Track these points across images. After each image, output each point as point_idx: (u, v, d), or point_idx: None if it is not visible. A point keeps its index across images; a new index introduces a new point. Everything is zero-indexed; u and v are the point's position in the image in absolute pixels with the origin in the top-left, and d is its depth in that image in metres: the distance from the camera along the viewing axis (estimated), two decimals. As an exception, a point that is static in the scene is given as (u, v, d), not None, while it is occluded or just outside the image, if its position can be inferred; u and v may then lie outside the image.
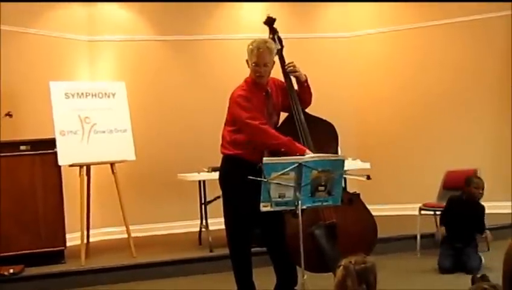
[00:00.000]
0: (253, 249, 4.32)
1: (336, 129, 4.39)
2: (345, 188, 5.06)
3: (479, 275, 3.48)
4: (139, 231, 6.78)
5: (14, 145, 5.58)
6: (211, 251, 5.75)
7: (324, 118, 4.38)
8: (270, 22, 4.46)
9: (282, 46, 4.40)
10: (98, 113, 5.92)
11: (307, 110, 4.35)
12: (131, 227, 5.93)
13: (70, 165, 5.72)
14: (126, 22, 7.34)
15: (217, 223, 5.45)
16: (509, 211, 6.53)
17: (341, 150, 4.74)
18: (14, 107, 5.86)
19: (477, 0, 7.06)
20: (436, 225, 5.64)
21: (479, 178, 5.30)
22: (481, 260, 5.06)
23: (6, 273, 5.18)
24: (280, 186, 3.60)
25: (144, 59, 7.34)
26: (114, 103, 6.06)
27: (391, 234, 5.93)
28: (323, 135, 4.30)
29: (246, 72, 4.25)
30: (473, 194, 5.18)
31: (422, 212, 5.75)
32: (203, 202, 6.10)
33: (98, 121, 5.88)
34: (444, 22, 7.31)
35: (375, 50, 7.74)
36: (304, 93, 4.31)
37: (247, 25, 7.36)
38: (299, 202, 3.63)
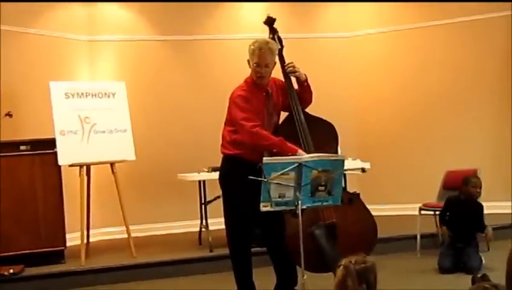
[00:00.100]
0: (253, 249, 4.33)
1: (336, 129, 4.39)
2: (345, 188, 5.05)
3: (479, 275, 3.47)
4: (139, 231, 6.78)
5: (14, 145, 5.58)
6: (210, 251, 5.75)
7: (324, 118, 4.38)
8: (270, 21, 4.46)
9: (282, 46, 4.40)
10: (98, 113, 5.92)
11: (307, 109, 4.35)
12: (131, 227, 5.93)
13: (70, 165, 5.72)
14: (126, 22, 7.34)
15: (217, 223, 5.45)
16: (509, 211, 6.53)
17: (341, 150, 4.74)
18: (14, 107, 5.86)
19: (477, 0, 7.06)
20: (436, 226, 5.65)
21: (476, 177, 5.30)
22: (481, 260, 5.06)
23: (6, 273, 5.18)
24: (280, 186, 3.60)
25: (144, 59, 7.34)
26: (114, 103, 6.06)
27: (391, 234, 5.93)
28: (323, 135, 4.30)
29: (246, 72, 4.25)
30: (471, 193, 5.18)
31: (422, 212, 5.75)
32: (203, 202, 6.10)
33: (98, 121, 5.88)
34: (444, 22, 7.31)
35: (375, 50, 7.74)
36: (304, 93, 4.32)
37: (247, 25, 7.36)
38: (299, 202, 3.63)
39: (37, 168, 5.62)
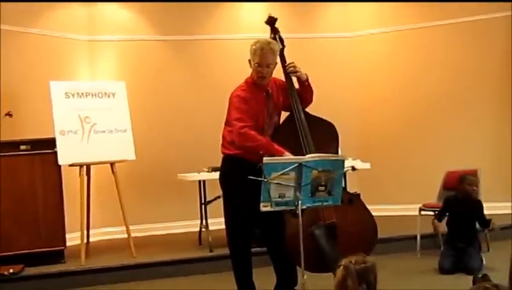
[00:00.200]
0: (253, 249, 4.32)
1: (337, 129, 4.38)
2: (345, 188, 5.05)
3: (480, 276, 3.47)
4: (139, 231, 6.78)
5: (14, 145, 5.58)
6: (210, 251, 5.75)
7: (325, 118, 4.38)
8: (271, 21, 4.46)
9: (283, 46, 4.40)
10: (98, 113, 5.92)
11: (308, 109, 4.34)
12: (131, 227, 5.92)
13: (70, 165, 5.72)
14: (126, 22, 7.34)
15: (217, 223, 5.45)
16: (509, 212, 6.52)
17: (342, 150, 4.74)
18: (14, 107, 5.86)
19: (478, 0, 7.06)
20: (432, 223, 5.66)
21: (472, 175, 5.29)
22: (482, 261, 5.05)
23: (6, 273, 5.18)
24: (280, 186, 3.59)
25: (144, 59, 7.34)
26: (114, 103, 6.06)
27: (391, 234, 5.93)
28: (324, 135, 4.30)
29: (246, 72, 4.24)
30: (467, 191, 5.18)
31: (423, 212, 5.75)
32: (203, 202, 6.09)
33: (98, 121, 5.88)
34: (445, 22, 7.31)
35: (376, 50, 7.74)
36: (305, 93, 4.32)
37: (247, 25, 7.36)
38: (299, 202, 3.63)
39: (37, 168, 5.61)
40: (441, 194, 5.84)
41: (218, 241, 5.57)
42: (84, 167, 5.82)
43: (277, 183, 3.57)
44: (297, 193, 3.62)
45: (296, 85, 4.34)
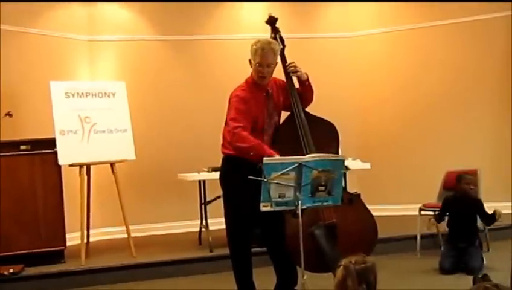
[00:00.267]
0: (253, 249, 4.32)
1: (337, 129, 4.38)
2: (345, 188, 5.05)
3: (480, 275, 3.47)
4: (139, 231, 6.78)
5: (14, 145, 5.58)
6: (210, 251, 5.75)
7: (325, 117, 4.38)
8: (272, 21, 4.46)
9: (283, 46, 4.40)
10: (98, 113, 5.92)
11: (308, 109, 4.34)
12: (131, 227, 5.93)
13: (70, 165, 5.72)
14: (126, 22, 7.34)
15: (217, 223, 5.46)
16: (509, 211, 6.52)
17: (342, 150, 4.73)
18: (14, 107, 5.86)
19: (478, 0, 7.06)
20: (437, 225, 5.67)
21: (469, 174, 5.30)
22: (483, 261, 5.04)
23: (6, 273, 5.18)
24: (280, 186, 3.59)
25: (144, 59, 7.34)
26: (114, 103, 6.06)
27: (391, 234, 5.93)
28: (324, 135, 4.30)
29: (246, 72, 4.24)
30: (464, 190, 5.19)
31: (423, 212, 5.74)
32: (203, 202, 6.09)
33: (98, 121, 5.88)
34: (445, 22, 7.31)
35: (376, 50, 7.74)
36: (306, 92, 4.32)
37: (247, 25, 7.36)
38: (299, 202, 3.63)
39: (37, 168, 5.61)
40: (441, 194, 5.84)
41: (218, 241, 5.57)
42: (84, 167, 5.82)
43: (277, 183, 3.57)
44: (297, 193, 3.62)
45: (297, 85, 4.34)
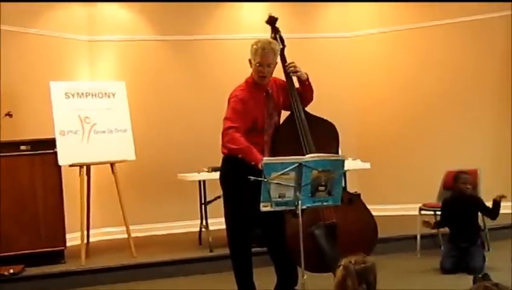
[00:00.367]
0: (253, 249, 4.32)
1: (337, 129, 4.38)
2: (345, 188, 5.05)
3: (480, 275, 3.47)
4: (139, 231, 6.78)
5: (14, 145, 5.58)
6: (211, 251, 5.75)
7: (325, 118, 4.38)
8: (272, 21, 4.47)
9: (283, 46, 4.41)
10: (98, 113, 5.92)
11: (307, 109, 4.34)
12: (131, 227, 5.93)
13: (71, 165, 5.72)
14: (126, 22, 7.34)
15: (217, 223, 5.46)
16: (509, 211, 6.52)
17: (342, 150, 4.73)
18: (14, 107, 5.86)
19: (477, 0, 7.06)
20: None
21: (466, 173, 5.30)
22: (485, 260, 5.03)
23: (6, 273, 5.18)
24: (280, 186, 3.59)
25: (144, 59, 7.34)
26: (114, 103, 6.06)
27: (391, 234, 5.93)
28: (324, 135, 4.30)
29: (246, 72, 4.25)
30: (461, 190, 5.19)
31: (423, 212, 5.74)
32: (203, 202, 6.09)
33: (98, 121, 5.88)
34: (445, 22, 7.31)
35: (375, 50, 7.74)
36: (306, 91, 4.33)
37: (247, 25, 7.36)
38: (299, 202, 3.63)
39: (37, 168, 5.61)
40: (441, 193, 5.84)
41: (218, 241, 5.57)
42: (84, 167, 5.82)
43: (277, 183, 3.57)
44: (297, 193, 3.62)
45: (297, 84, 4.35)
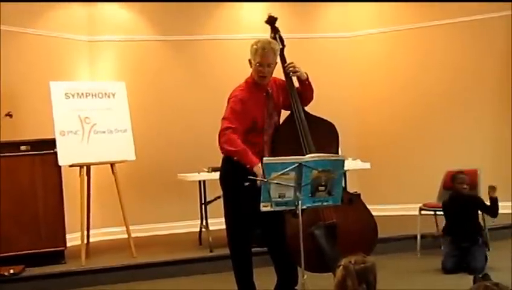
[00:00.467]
0: (253, 249, 4.32)
1: (337, 129, 4.38)
2: (345, 188, 5.05)
3: (480, 275, 3.47)
4: (139, 231, 6.78)
5: (14, 145, 5.58)
6: (211, 251, 5.75)
7: (325, 117, 4.38)
8: (271, 21, 4.46)
9: (283, 46, 4.40)
10: (98, 113, 5.92)
11: (307, 109, 4.34)
12: (131, 227, 5.93)
13: (71, 166, 5.72)
14: (126, 22, 7.34)
15: (217, 223, 5.45)
16: (509, 211, 6.52)
17: (341, 150, 4.73)
18: (14, 107, 5.87)
19: (477, 0, 7.06)
20: (437, 225, 5.67)
21: (463, 174, 5.31)
22: (487, 260, 5.03)
23: (6, 273, 5.18)
24: (280, 186, 3.59)
25: (144, 59, 7.34)
26: (114, 103, 6.06)
27: (391, 234, 5.93)
28: (324, 135, 4.30)
29: (246, 72, 4.25)
30: (458, 190, 5.21)
31: (423, 212, 5.74)
32: (203, 202, 6.10)
33: (98, 121, 5.88)
34: (445, 22, 7.31)
35: (375, 50, 7.74)
36: (306, 91, 4.32)
37: (247, 25, 7.37)
38: (299, 202, 3.63)
39: (37, 168, 5.62)
40: (441, 194, 5.83)
41: (219, 242, 5.57)
42: (84, 167, 5.82)
43: (277, 183, 3.57)
44: (298, 193, 3.62)
45: (297, 84, 4.35)
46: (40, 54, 6.63)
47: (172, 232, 7.12)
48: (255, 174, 3.64)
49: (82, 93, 5.91)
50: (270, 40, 4.27)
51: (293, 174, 3.59)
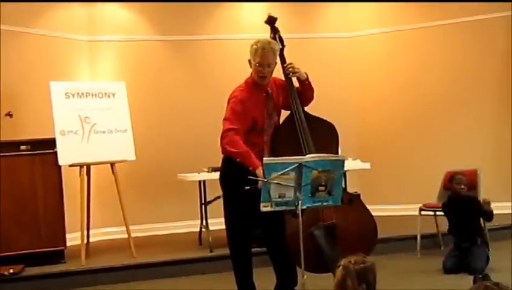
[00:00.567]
0: (253, 249, 4.32)
1: (337, 129, 4.38)
2: (345, 188, 5.05)
3: (480, 275, 3.46)
4: (139, 231, 6.78)
5: (14, 145, 5.58)
6: (211, 251, 5.75)
7: (325, 118, 4.38)
8: (271, 21, 4.46)
9: (283, 46, 4.40)
10: (98, 113, 5.92)
11: (307, 109, 4.34)
12: (131, 227, 5.93)
13: (71, 165, 5.72)
14: (126, 22, 7.34)
15: (217, 223, 5.45)
16: (509, 211, 6.52)
17: (341, 150, 4.73)
18: (14, 107, 5.86)
19: (478, 0, 7.06)
20: (437, 225, 5.67)
21: (461, 174, 5.31)
22: (488, 260, 5.02)
23: (6, 273, 5.18)
24: (280, 187, 3.59)
25: (144, 59, 7.34)
26: (114, 103, 6.06)
27: (391, 234, 5.93)
28: (324, 135, 4.30)
29: (245, 72, 4.24)
30: (455, 190, 5.21)
31: (423, 212, 5.74)
32: (203, 202, 6.10)
33: (98, 121, 5.88)
34: (445, 22, 7.31)
35: (375, 50, 7.74)
36: (306, 91, 4.32)
37: (247, 25, 7.36)
38: (299, 202, 3.63)
39: (37, 168, 5.62)
40: (441, 194, 5.83)
41: (218, 242, 5.57)
42: (84, 167, 5.82)
43: (277, 183, 3.57)
44: (298, 193, 3.62)
45: (296, 84, 4.34)
46: (40, 54, 6.63)
47: (172, 232, 7.12)
48: (255, 175, 3.63)
49: (82, 93, 5.91)
50: (270, 40, 4.26)
51: (293, 175, 3.59)
